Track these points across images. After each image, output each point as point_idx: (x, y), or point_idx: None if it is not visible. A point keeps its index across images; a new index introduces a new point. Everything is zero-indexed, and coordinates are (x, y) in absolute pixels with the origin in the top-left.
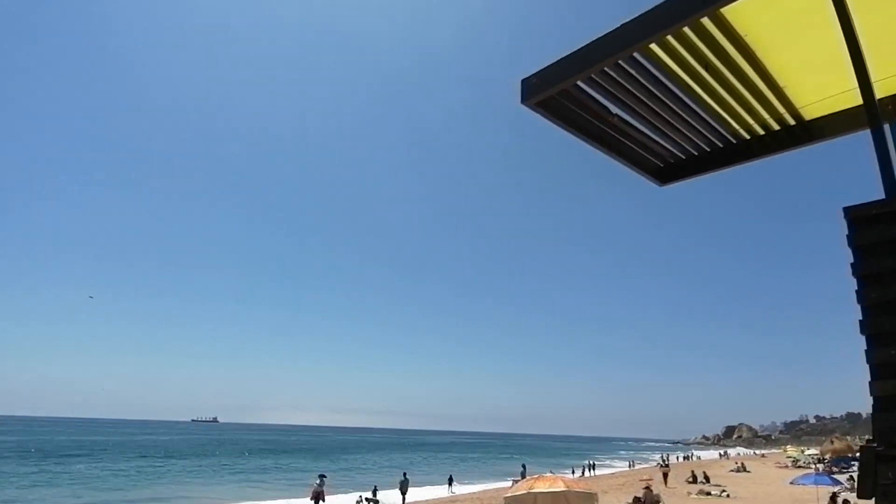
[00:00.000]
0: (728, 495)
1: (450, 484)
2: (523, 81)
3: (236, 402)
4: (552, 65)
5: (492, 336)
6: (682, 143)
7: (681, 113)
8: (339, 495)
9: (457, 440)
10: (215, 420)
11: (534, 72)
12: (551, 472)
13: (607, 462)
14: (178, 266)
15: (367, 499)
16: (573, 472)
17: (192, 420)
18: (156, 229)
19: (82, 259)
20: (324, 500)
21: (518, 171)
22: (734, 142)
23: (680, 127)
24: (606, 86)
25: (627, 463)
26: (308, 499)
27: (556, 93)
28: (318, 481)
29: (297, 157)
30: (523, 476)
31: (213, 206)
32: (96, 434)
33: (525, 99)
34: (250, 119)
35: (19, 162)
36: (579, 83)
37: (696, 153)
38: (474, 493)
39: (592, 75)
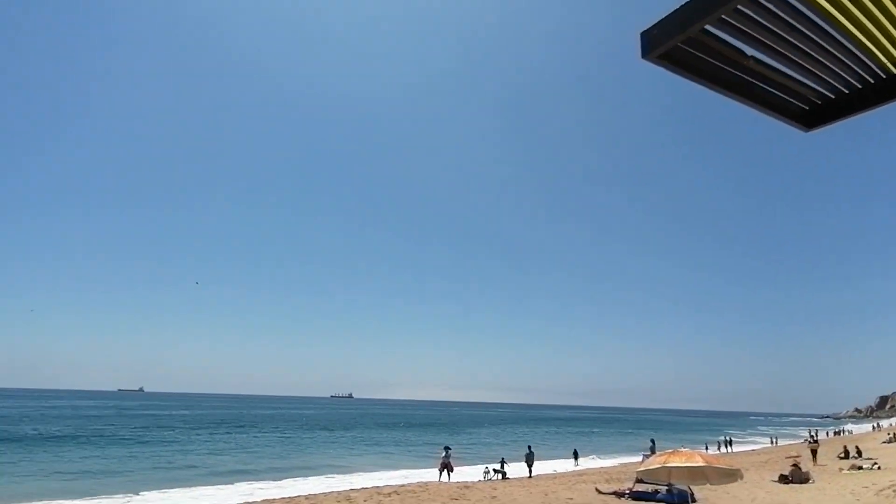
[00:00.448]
0: (879, 467)
1: (575, 458)
2: (643, 34)
3: (368, 380)
4: (675, 11)
5: (616, 313)
6: (831, 81)
7: (827, 46)
8: (466, 467)
9: (577, 415)
10: (350, 396)
11: (653, 23)
12: (683, 446)
13: (746, 438)
14: (315, 263)
15: (494, 470)
16: (706, 448)
17: (331, 396)
18: (290, 232)
19: (238, 261)
20: (451, 471)
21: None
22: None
23: (827, 62)
24: (740, 25)
25: (769, 439)
26: (436, 469)
27: (681, 41)
28: (444, 453)
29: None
30: (652, 451)
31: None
32: (253, 408)
33: (646, 53)
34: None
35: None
36: (707, 27)
37: (846, 91)
38: (603, 467)
39: (723, 16)
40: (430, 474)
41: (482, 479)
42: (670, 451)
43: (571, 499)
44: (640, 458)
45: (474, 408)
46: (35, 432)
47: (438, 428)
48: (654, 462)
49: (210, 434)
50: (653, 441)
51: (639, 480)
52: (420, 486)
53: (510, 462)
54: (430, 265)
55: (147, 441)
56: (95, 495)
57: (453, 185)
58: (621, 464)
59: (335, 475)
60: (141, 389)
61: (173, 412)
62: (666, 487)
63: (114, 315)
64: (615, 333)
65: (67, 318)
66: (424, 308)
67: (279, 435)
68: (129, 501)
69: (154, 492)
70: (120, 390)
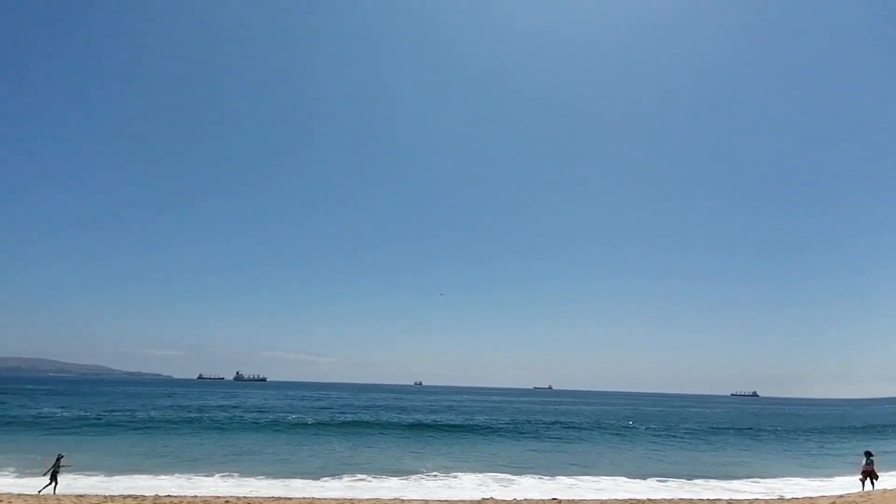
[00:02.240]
0: None
1: None
2: None
3: (775, 376)
4: None
5: None
6: None
7: None
8: None
9: None
10: (755, 394)
11: None
12: None
13: None
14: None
15: None
16: None
17: (731, 394)
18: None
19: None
20: (875, 479)
21: None
22: None
23: None
24: None
25: None
26: (857, 478)
27: None
28: (864, 460)
29: None
30: None
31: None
32: (645, 405)
33: None
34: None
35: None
36: None
37: None
38: None
39: None
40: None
41: None
42: None
43: None
44: None
45: None
46: (485, 422)
47: (861, 431)
48: None
49: (607, 428)
50: None
51: None
52: (861, 496)
53: None
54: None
55: (553, 435)
56: (536, 475)
57: None
58: None
59: (759, 479)
60: (550, 387)
61: (579, 407)
62: None
63: (527, 320)
64: None
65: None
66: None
67: (680, 436)
68: (545, 482)
69: (564, 477)
70: (535, 388)
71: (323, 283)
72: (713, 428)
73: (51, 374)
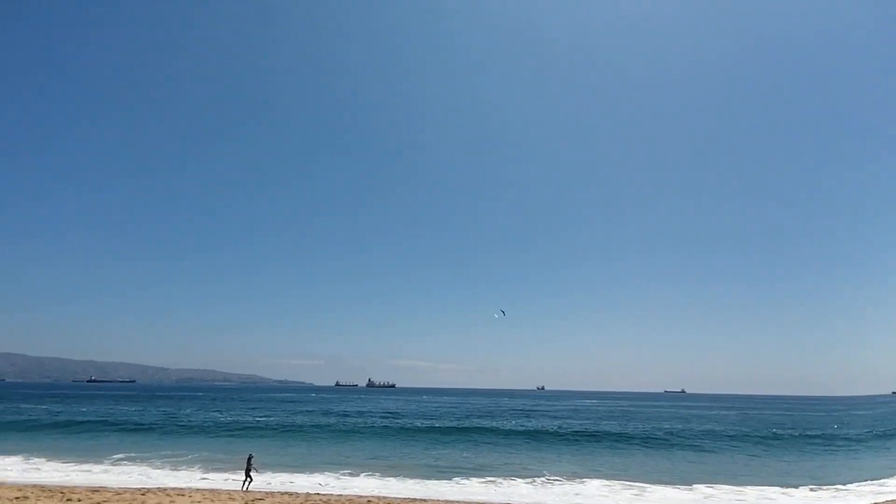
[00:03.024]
0: None
1: None
2: None
3: None
4: None
5: None
6: None
7: None
8: None
9: None
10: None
11: None
12: None
13: None
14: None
15: None
16: None
17: (893, 392)
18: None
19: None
20: None
21: None
22: None
23: None
24: None
25: None
26: None
27: None
28: None
29: None
30: None
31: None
32: (793, 410)
33: None
34: None
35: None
36: None
37: None
38: None
39: None
40: None
41: None
42: None
43: None
44: None
45: None
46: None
47: None
48: None
49: (751, 435)
50: None
51: None
52: None
53: None
54: None
55: (688, 443)
56: (669, 484)
57: None
58: None
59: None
60: (682, 391)
61: (716, 412)
62: None
63: (658, 324)
64: None
65: (620, 330)
66: None
67: (836, 441)
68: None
69: (701, 486)
70: (665, 391)
71: (446, 292)
72: (874, 429)
73: (216, 382)
